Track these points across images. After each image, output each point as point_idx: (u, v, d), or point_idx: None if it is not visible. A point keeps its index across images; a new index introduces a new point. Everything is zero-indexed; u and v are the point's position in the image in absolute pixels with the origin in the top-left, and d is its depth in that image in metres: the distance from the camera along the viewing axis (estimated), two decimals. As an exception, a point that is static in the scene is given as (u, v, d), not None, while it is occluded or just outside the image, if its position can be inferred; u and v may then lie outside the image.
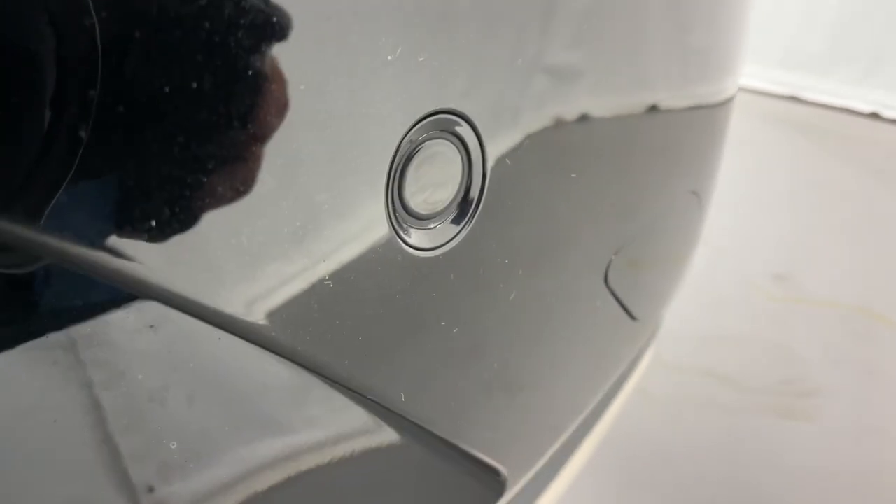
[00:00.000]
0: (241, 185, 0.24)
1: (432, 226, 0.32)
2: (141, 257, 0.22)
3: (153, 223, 0.22)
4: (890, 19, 4.08)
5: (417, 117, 0.29)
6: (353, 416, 0.33)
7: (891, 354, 1.85)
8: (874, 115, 4.04)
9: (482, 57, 0.32)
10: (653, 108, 0.49)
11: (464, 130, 0.32)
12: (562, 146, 0.40)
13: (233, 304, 0.26)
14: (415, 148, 0.30)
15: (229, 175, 0.24)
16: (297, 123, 0.25)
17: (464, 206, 0.34)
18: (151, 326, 0.24)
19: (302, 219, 0.26)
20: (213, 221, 0.24)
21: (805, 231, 2.53)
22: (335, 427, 0.32)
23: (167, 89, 0.21)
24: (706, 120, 0.63)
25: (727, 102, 0.66)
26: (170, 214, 0.22)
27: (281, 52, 0.23)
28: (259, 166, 0.24)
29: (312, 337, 0.29)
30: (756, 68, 4.26)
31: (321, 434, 0.32)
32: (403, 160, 0.30)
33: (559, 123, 0.38)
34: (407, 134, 0.29)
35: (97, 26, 0.19)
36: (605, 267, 0.50)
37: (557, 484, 0.62)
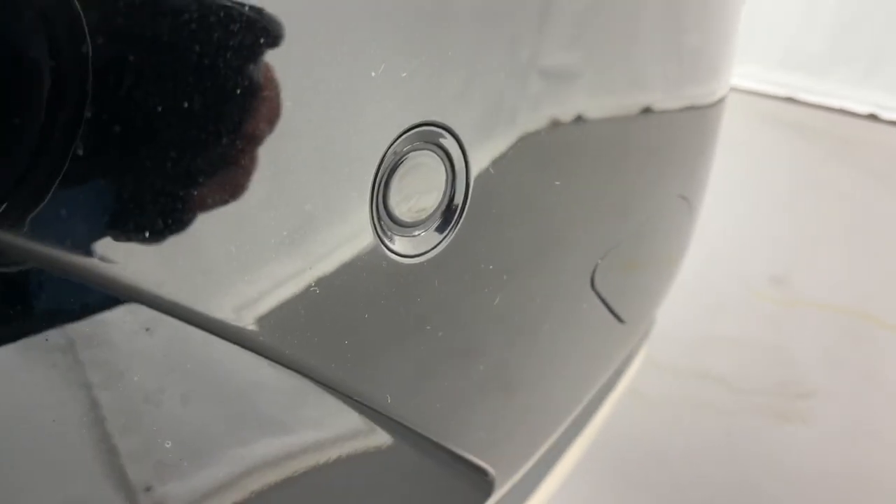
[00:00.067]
0: (230, 196, 0.25)
1: (416, 233, 0.34)
2: (131, 264, 0.23)
3: (144, 232, 0.23)
4: (889, 21, 4.08)
5: (401, 130, 0.30)
6: (341, 417, 0.35)
7: (886, 357, 1.86)
8: (872, 117, 4.05)
9: (465, 69, 0.33)
10: (639, 115, 0.50)
11: (448, 142, 0.33)
12: (546, 154, 0.41)
13: (222, 310, 0.27)
14: (399, 159, 0.31)
15: (219, 186, 0.25)
16: (283, 137, 0.26)
17: (448, 215, 0.35)
18: (147, 329, 0.26)
19: (289, 228, 0.28)
20: (203, 230, 0.25)
21: (802, 233, 2.54)
22: (323, 428, 0.34)
23: (159, 108, 0.22)
24: (695, 123, 0.63)
25: (717, 104, 0.67)
26: (160, 223, 0.24)
27: (268, 70, 0.25)
28: (248, 178, 0.26)
29: (300, 342, 0.30)
30: (755, 69, 4.27)
31: (309, 435, 0.33)
32: (388, 171, 0.31)
33: (543, 132, 0.39)
34: (391, 146, 0.30)
35: (87, 35, 0.20)
36: (591, 271, 0.51)
37: (547, 484, 0.63)
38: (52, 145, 0.20)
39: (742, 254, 2.34)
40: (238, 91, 0.24)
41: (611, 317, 0.58)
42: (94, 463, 0.25)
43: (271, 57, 0.25)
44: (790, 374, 1.76)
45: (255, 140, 0.25)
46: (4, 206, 0.20)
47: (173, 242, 0.24)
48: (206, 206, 0.25)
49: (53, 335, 0.23)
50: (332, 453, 0.34)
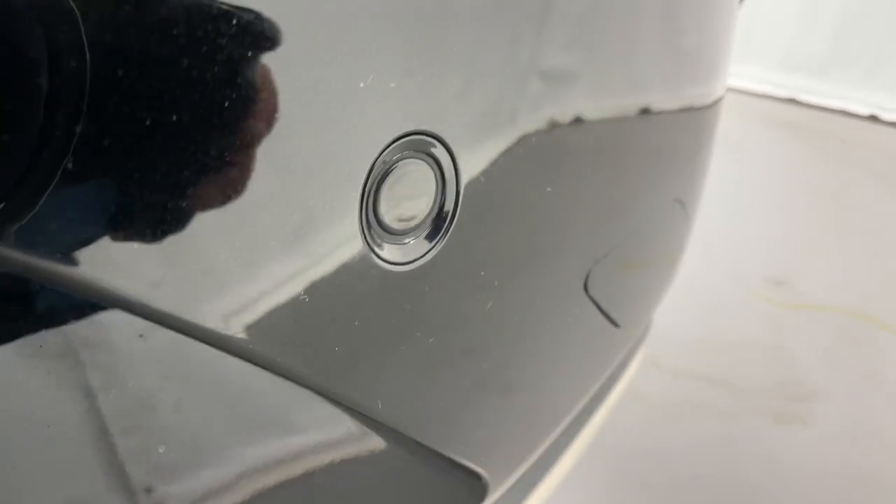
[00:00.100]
0: (220, 205, 0.26)
1: (406, 241, 0.34)
2: (122, 274, 0.24)
3: (135, 241, 0.24)
4: (890, 22, 4.08)
5: (390, 139, 0.31)
6: (333, 423, 0.35)
7: (886, 357, 1.86)
8: (873, 118, 4.04)
9: (454, 78, 0.33)
10: (632, 119, 0.50)
11: (438, 150, 0.34)
12: (537, 161, 0.41)
13: (212, 319, 0.27)
14: (389, 168, 0.31)
15: (208, 194, 0.25)
16: (273, 146, 0.26)
17: (438, 223, 0.35)
18: (141, 336, 0.26)
19: (278, 236, 0.28)
20: (193, 239, 0.25)
21: (802, 234, 2.53)
22: (314, 433, 0.34)
23: (148, 122, 0.22)
24: (691, 125, 0.63)
25: (713, 106, 0.66)
26: (150, 232, 0.24)
27: (258, 80, 0.25)
28: (238, 187, 0.26)
29: (290, 349, 0.30)
30: (756, 70, 4.27)
31: (299, 440, 0.33)
32: (378, 179, 0.31)
33: (534, 138, 0.40)
34: (380, 155, 0.31)
35: (84, 38, 0.20)
36: (584, 276, 0.51)
37: (543, 488, 0.63)
38: (52, 145, 0.20)
39: (742, 254, 2.34)
40: (227, 102, 0.24)
41: (605, 321, 0.58)
42: (85, 466, 0.25)
43: (260, 67, 0.25)
44: (790, 374, 1.76)
45: (244, 150, 0.26)
46: (4, 205, 0.20)
47: (162, 252, 0.24)
48: (196, 216, 0.25)
49: (41, 334, 0.23)
50: (323, 458, 0.34)
